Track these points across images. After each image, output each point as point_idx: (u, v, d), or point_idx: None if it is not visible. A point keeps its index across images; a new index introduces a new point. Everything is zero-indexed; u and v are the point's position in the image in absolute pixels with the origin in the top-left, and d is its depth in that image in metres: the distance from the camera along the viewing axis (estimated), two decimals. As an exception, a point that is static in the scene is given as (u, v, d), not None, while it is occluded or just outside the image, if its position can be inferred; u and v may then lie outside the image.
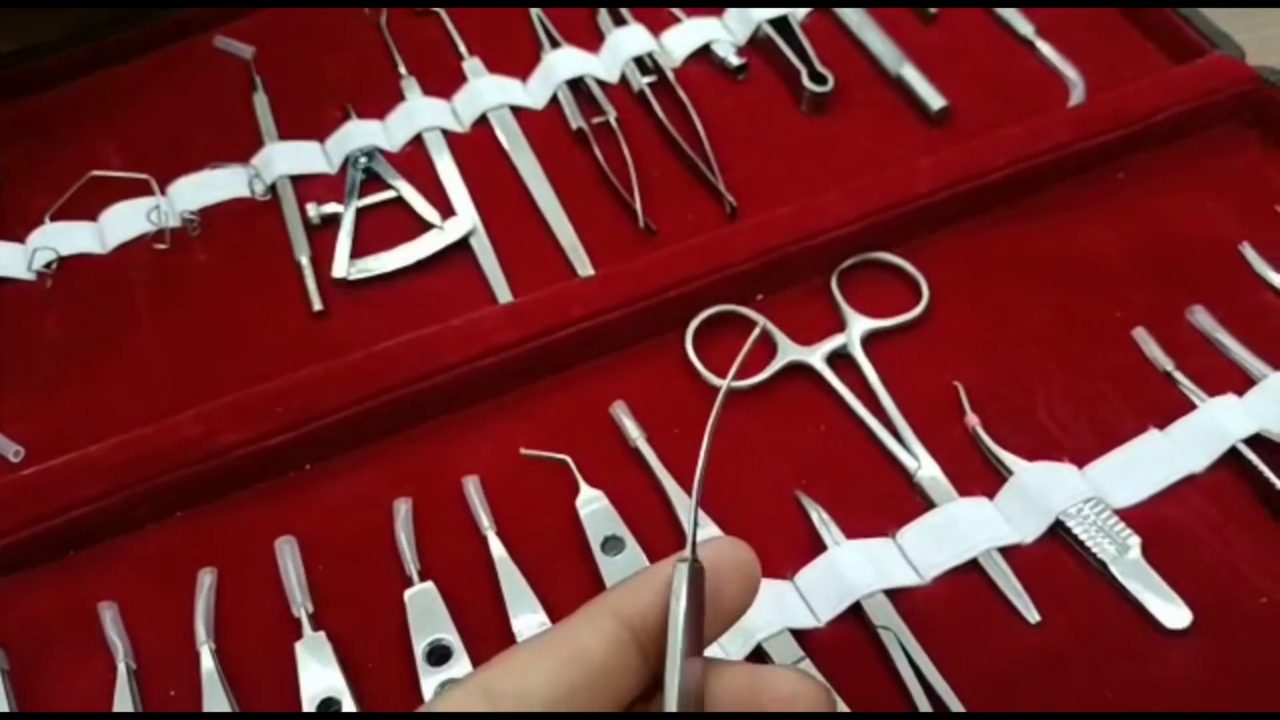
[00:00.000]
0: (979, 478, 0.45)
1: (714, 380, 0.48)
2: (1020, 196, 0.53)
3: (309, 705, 0.41)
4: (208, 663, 0.42)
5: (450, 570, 0.44)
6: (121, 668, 0.43)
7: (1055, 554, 0.42)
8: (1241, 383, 0.46)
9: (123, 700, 0.42)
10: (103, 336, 0.53)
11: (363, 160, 0.57)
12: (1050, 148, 0.53)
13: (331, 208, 0.56)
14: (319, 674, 0.41)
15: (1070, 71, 0.58)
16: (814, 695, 0.28)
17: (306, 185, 0.58)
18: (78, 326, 0.53)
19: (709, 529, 0.43)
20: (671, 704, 0.27)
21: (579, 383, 0.50)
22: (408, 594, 0.43)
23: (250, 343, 0.52)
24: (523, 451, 0.47)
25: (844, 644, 0.41)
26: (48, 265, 0.55)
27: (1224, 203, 0.53)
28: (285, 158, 0.58)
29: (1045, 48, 0.60)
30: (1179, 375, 0.47)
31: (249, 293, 0.54)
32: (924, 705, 0.39)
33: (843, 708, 0.39)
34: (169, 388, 0.50)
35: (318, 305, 0.53)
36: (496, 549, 0.44)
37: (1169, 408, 0.46)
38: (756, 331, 0.32)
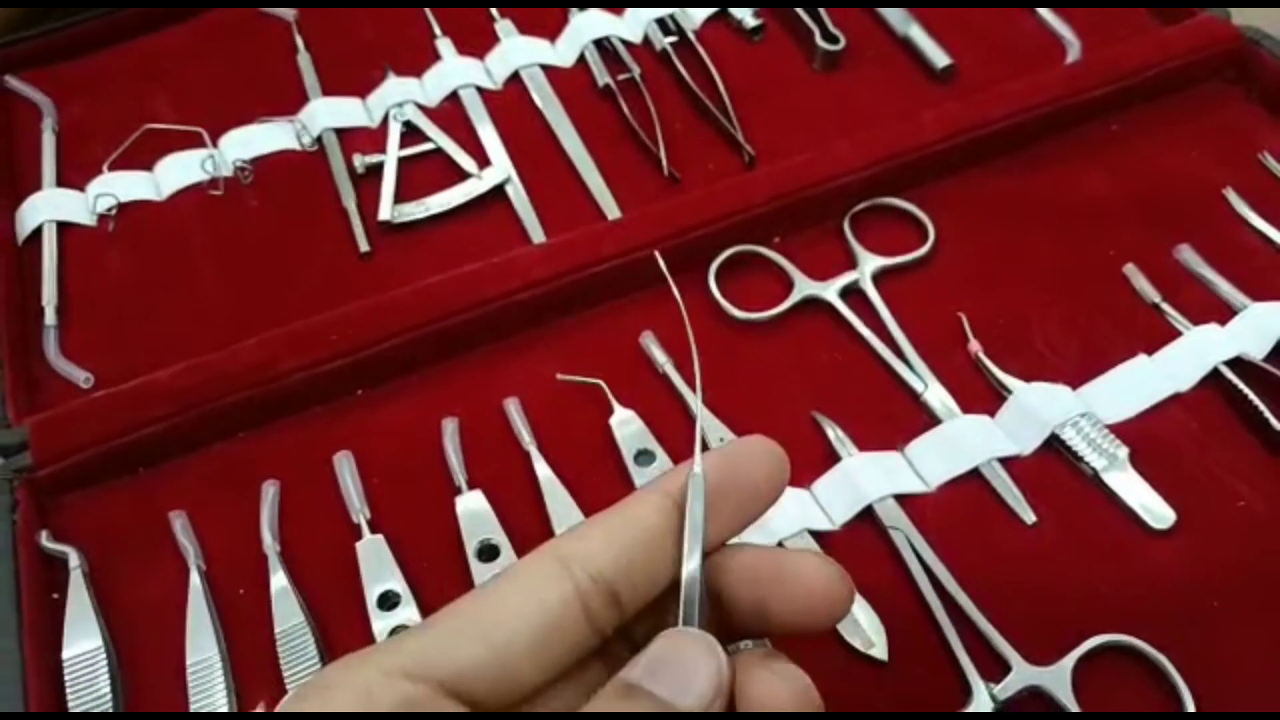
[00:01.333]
0: (981, 399, 0.49)
1: (735, 314, 0.52)
2: (1019, 146, 0.57)
3: (372, 600, 0.45)
4: (276, 564, 0.46)
5: (495, 483, 0.48)
6: (193, 569, 0.47)
7: (1050, 464, 0.46)
8: (1224, 314, 0.50)
9: (196, 598, 0.46)
10: (163, 275, 0.57)
11: (402, 114, 0.61)
12: (1047, 101, 0.56)
13: (375, 158, 0.59)
14: (379, 572, 0.45)
15: (1067, 32, 0.62)
16: (832, 582, 0.31)
17: (350, 138, 0.61)
18: (139, 266, 0.57)
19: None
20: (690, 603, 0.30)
21: (610, 316, 0.53)
22: (459, 501, 0.47)
23: (302, 281, 0.56)
24: (559, 377, 0.51)
25: (857, 543, 0.45)
26: (109, 210, 0.59)
27: (1209, 152, 0.57)
28: (329, 112, 0.62)
29: (1044, 11, 0.63)
30: (1166, 307, 0.50)
31: (300, 235, 0.58)
32: (931, 597, 0.43)
33: (859, 601, 0.43)
34: (227, 321, 0.54)
35: (364, 246, 0.56)
36: (538, 463, 0.48)
37: (1156, 336, 0.50)
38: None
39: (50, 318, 0.55)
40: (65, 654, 0.44)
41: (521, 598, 0.30)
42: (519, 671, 0.29)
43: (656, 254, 0.39)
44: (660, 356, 0.51)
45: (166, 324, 0.55)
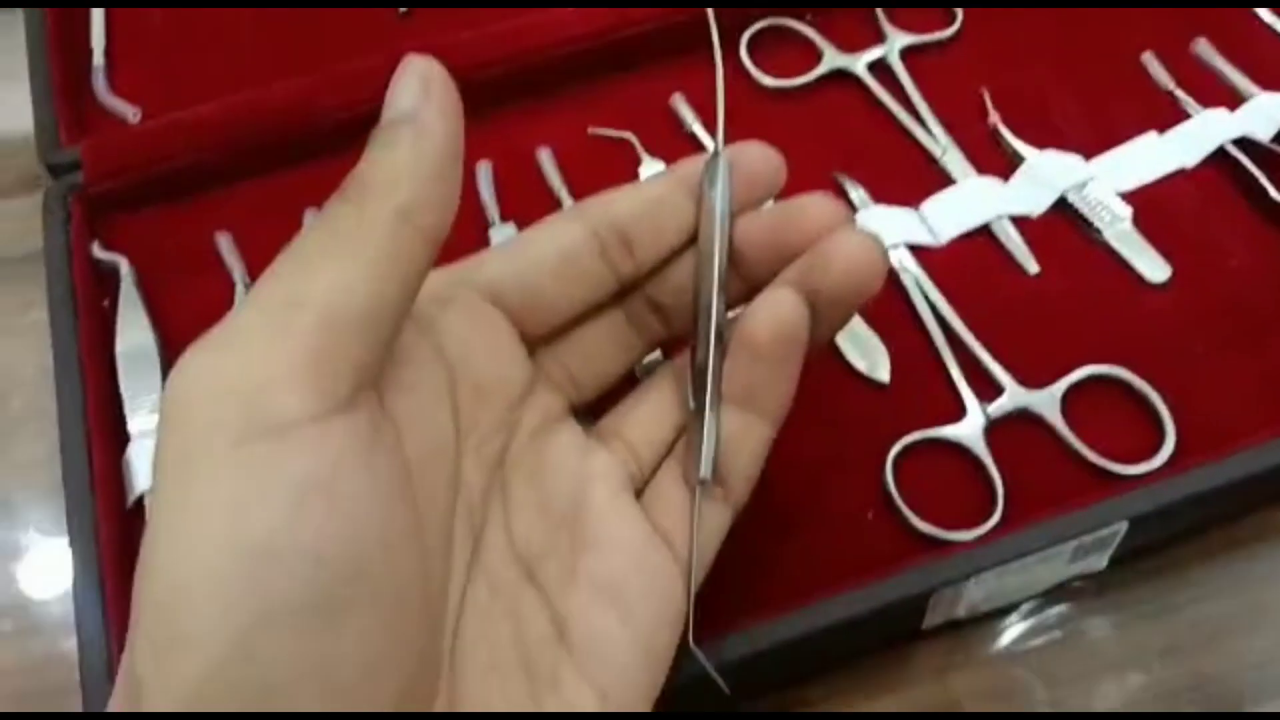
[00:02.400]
0: (998, 168, 0.50)
1: (765, 81, 0.54)
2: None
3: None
4: (316, 279, 0.49)
5: (527, 221, 0.50)
6: (239, 284, 0.49)
7: (1058, 224, 0.49)
8: (1234, 104, 0.52)
9: (241, 307, 0.48)
10: (208, 23, 0.58)
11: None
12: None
13: (417, -79, 0.60)
14: (415, 287, 0.48)
15: None
16: (839, 210, 0.35)
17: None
18: (183, 14, 0.59)
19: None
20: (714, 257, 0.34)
21: (643, 80, 0.55)
22: (492, 233, 0.49)
23: (343, 35, 0.57)
24: (591, 130, 0.53)
25: (869, 284, 0.47)
26: (155, -41, 0.60)
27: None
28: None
29: None
30: (1180, 93, 0.52)
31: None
32: (934, 330, 0.45)
33: (865, 328, 0.46)
34: (269, 67, 0.55)
35: (403, 8, 0.58)
36: (569, 205, 0.50)
37: (1168, 120, 0.51)
38: None
39: (98, 58, 0.57)
40: (119, 348, 0.47)
41: (544, 234, 0.35)
42: (544, 288, 0.34)
43: (709, 12, 0.41)
44: (689, 116, 0.53)
45: (211, 68, 0.57)
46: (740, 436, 0.34)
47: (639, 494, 0.35)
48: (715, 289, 0.34)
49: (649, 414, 0.36)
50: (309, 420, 0.26)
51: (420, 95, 0.30)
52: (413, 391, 0.31)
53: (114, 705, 0.27)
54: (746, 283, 0.36)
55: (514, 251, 0.35)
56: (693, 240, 0.36)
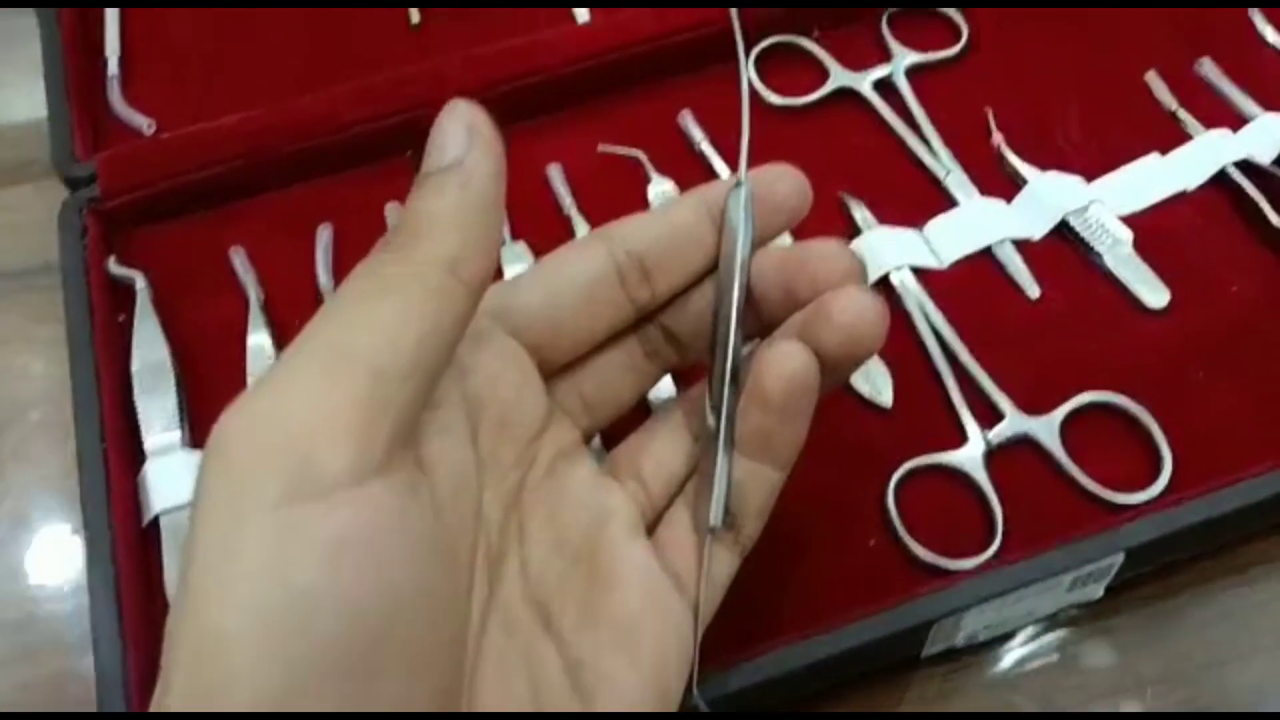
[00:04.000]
0: (1000, 188, 0.51)
1: (771, 99, 0.55)
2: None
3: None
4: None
5: (537, 238, 0.51)
6: (253, 299, 0.50)
7: (1059, 248, 0.49)
8: (1237, 124, 0.52)
9: (255, 324, 0.49)
10: (225, 37, 0.59)
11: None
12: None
13: (427, -66, 0.61)
14: (427, 306, 0.49)
15: None
16: (851, 260, 0.35)
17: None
18: (196, 24, 0.59)
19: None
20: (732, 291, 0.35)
21: (652, 98, 0.55)
22: (503, 251, 0.50)
23: (356, 50, 0.58)
24: (600, 148, 0.54)
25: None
26: (169, -30, 0.60)
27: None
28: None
29: None
30: (1183, 114, 0.53)
31: (355, 6, 0.59)
32: (937, 355, 0.46)
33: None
34: (286, 82, 0.56)
35: (415, 19, 0.58)
36: (579, 225, 0.51)
37: (1171, 140, 0.52)
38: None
39: (113, 68, 0.57)
40: (135, 365, 0.48)
41: (571, 261, 0.36)
42: (568, 321, 0.35)
43: (732, 12, 0.41)
44: (698, 134, 0.54)
45: (228, 80, 0.57)
46: (751, 482, 0.35)
47: (652, 529, 0.35)
48: (733, 325, 0.35)
49: (662, 448, 0.37)
50: (350, 481, 0.26)
51: (465, 142, 0.31)
52: (444, 434, 0.31)
53: None
54: (761, 317, 0.36)
55: (539, 283, 0.35)
56: (712, 269, 0.36)
